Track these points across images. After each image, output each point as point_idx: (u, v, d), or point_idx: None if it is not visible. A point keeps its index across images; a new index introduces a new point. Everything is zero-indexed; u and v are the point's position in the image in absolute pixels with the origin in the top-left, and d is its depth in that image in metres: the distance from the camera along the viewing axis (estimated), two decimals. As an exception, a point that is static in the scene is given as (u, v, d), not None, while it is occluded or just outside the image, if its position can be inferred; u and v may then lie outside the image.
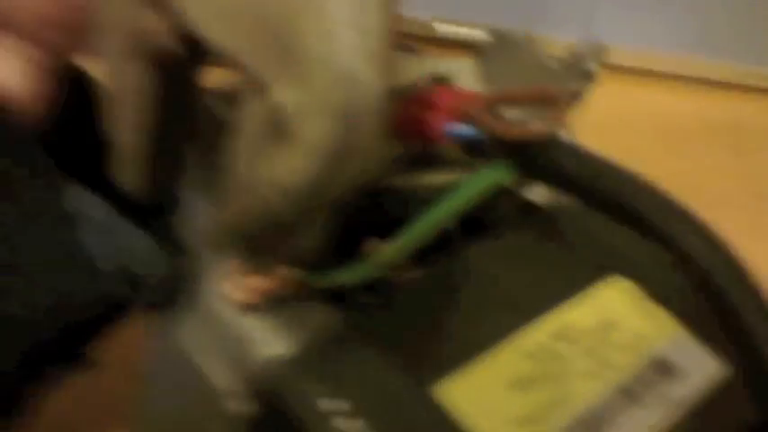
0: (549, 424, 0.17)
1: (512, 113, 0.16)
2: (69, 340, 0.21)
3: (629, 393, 0.18)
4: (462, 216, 0.19)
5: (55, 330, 0.20)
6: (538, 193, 0.22)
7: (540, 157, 0.16)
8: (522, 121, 0.16)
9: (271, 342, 0.17)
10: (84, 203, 0.19)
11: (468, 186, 0.17)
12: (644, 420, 0.18)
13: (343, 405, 0.16)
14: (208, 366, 0.19)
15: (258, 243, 0.15)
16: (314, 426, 0.16)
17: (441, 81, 0.18)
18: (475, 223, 0.21)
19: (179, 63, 0.14)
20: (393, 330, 0.18)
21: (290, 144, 0.13)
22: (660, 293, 0.20)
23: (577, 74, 0.19)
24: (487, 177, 0.17)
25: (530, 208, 0.22)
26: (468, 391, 0.17)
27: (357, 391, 0.17)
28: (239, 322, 0.18)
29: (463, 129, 0.16)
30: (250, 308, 0.17)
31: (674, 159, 0.34)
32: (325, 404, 0.16)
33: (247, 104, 0.13)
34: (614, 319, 0.19)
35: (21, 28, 0.19)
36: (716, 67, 0.47)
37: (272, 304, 0.17)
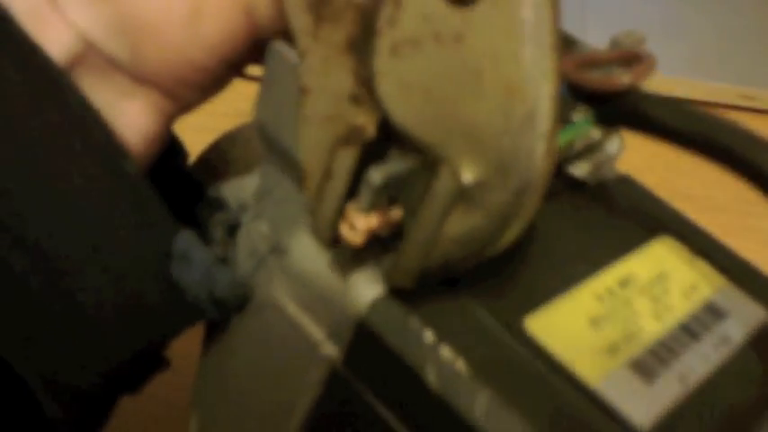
0: (626, 354, 0.19)
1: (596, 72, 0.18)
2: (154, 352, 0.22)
3: (690, 332, 0.20)
4: None
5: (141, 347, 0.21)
6: (581, 169, 0.24)
7: (624, 106, 0.18)
8: (610, 76, 0.18)
9: (368, 284, 0.19)
10: (190, 245, 0.21)
11: (564, 134, 0.19)
12: (704, 354, 0.19)
13: (440, 336, 0.18)
14: (302, 316, 0.20)
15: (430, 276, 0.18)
16: (416, 357, 0.18)
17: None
18: None
19: (373, 141, 0.17)
20: (471, 276, 0.19)
21: (472, 210, 0.16)
22: (703, 251, 0.22)
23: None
24: (574, 129, 0.19)
25: (574, 182, 0.24)
26: (551, 327, 0.19)
27: (448, 324, 0.18)
28: (335, 268, 0.19)
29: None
30: (355, 250, 0.18)
31: (673, 175, 0.36)
32: (425, 336, 0.18)
33: (436, 179, 0.16)
34: (667, 271, 0.21)
35: (159, 84, 0.21)
36: (707, 89, 0.50)
37: (367, 246, 0.18)
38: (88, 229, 0.20)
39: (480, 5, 0.15)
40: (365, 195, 0.17)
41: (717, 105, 0.51)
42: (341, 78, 0.17)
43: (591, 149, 0.24)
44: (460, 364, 0.17)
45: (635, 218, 0.23)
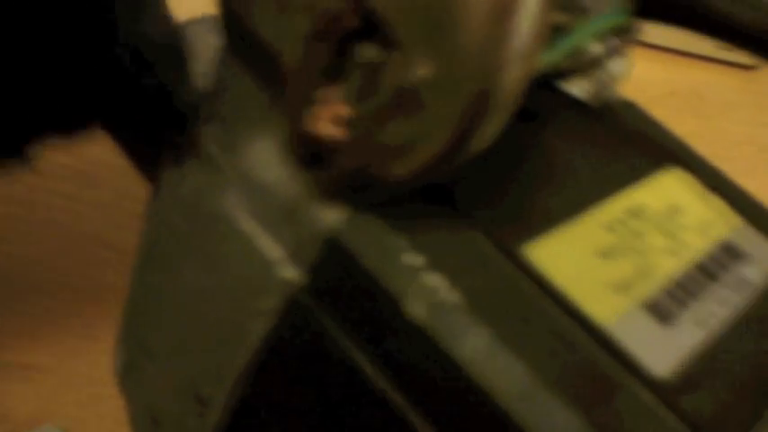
0: (640, 292, 0.16)
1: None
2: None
3: (707, 272, 0.17)
4: None
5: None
6: (581, 88, 0.21)
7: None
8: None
9: (337, 199, 0.16)
10: None
11: (588, 27, 0.16)
12: (723, 297, 0.17)
13: (428, 261, 0.15)
14: (258, 232, 0.17)
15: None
16: (397, 282, 0.15)
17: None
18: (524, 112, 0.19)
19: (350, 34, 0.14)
20: (466, 197, 0.16)
21: (417, 113, 0.13)
22: (715, 187, 0.20)
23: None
24: (607, 20, 0.16)
25: (574, 102, 0.21)
26: (555, 256, 0.16)
27: (439, 248, 0.15)
28: (299, 181, 0.16)
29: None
30: (332, 138, 0.15)
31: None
32: (409, 259, 0.15)
33: (387, 71, 0.13)
34: (680, 204, 0.19)
35: None
36: (682, 37, 0.48)
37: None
38: None
39: None
40: (354, 75, 0.14)
41: (691, 55, 0.49)
42: None
43: (593, 65, 0.21)
44: (452, 294, 0.14)
45: (643, 145, 0.20)
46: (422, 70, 0.13)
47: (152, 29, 0.19)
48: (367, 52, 0.14)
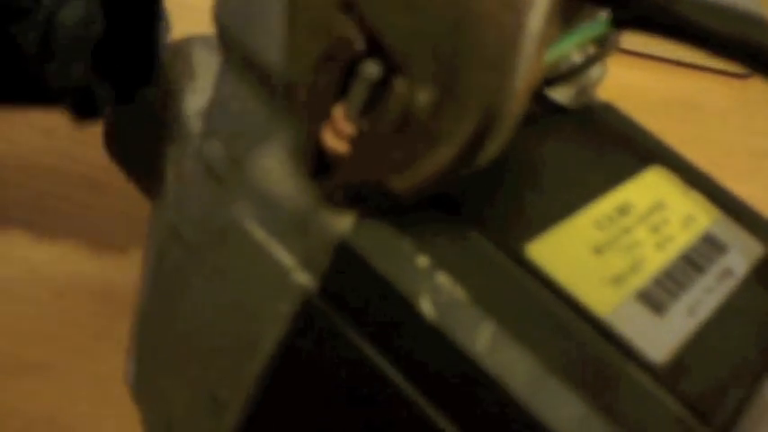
0: (633, 284, 0.17)
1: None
2: None
3: (693, 263, 0.18)
4: None
5: None
6: (562, 93, 0.23)
7: (648, 4, 0.16)
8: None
9: (345, 207, 0.16)
10: None
11: (571, 37, 0.17)
12: (709, 286, 0.18)
13: (435, 262, 0.16)
14: (269, 241, 0.17)
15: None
16: (408, 282, 0.16)
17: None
18: None
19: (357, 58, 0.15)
20: (467, 202, 0.17)
21: (419, 135, 0.14)
22: (694, 183, 0.21)
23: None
24: (588, 30, 0.17)
25: (555, 107, 0.22)
26: (552, 253, 0.17)
27: (444, 250, 0.16)
28: (308, 191, 0.17)
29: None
30: (335, 157, 0.16)
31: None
32: (418, 261, 0.16)
33: (390, 93, 0.14)
34: (664, 200, 0.20)
35: None
36: (676, 48, 0.49)
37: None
38: None
39: None
40: (358, 92, 0.15)
41: (686, 65, 0.50)
42: None
43: (574, 73, 0.22)
44: (460, 292, 0.15)
45: (624, 146, 0.21)
46: (426, 96, 0.14)
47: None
48: (371, 69, 0.15)
